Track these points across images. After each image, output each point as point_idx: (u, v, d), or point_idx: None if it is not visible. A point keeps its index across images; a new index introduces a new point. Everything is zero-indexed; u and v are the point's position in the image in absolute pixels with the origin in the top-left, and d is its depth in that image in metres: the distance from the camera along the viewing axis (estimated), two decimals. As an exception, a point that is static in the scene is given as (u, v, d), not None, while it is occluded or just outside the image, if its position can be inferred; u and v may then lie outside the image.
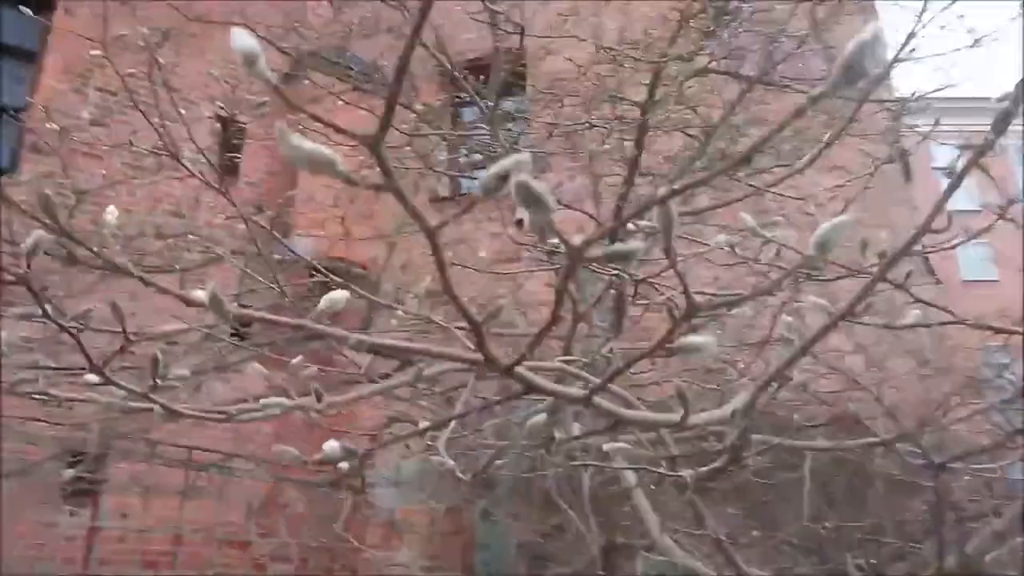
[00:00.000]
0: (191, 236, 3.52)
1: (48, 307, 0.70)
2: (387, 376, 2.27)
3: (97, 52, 1.96)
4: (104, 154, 6.70)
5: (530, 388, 0.64)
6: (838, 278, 1.44)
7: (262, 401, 0.92)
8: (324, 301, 0.69)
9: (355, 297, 2.72)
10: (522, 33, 2.61)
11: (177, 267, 3.09)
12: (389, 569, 5.99)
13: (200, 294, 0.63)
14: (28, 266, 0.67)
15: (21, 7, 2.70)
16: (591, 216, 3.91)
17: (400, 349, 0.72)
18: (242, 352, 3.45)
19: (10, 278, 0.67)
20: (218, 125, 6.26)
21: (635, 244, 0.47)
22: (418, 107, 3.39)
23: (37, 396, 1.02)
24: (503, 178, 0.42)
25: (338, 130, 0.43)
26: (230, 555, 6.61)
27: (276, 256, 2.45)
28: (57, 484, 5.54)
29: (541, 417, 0.93)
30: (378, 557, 6.43)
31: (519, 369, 0.62)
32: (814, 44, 3.84)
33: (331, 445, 0.81)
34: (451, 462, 0.91)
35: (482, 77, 3.56)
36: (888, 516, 3.96)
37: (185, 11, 4.82)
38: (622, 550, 2.73)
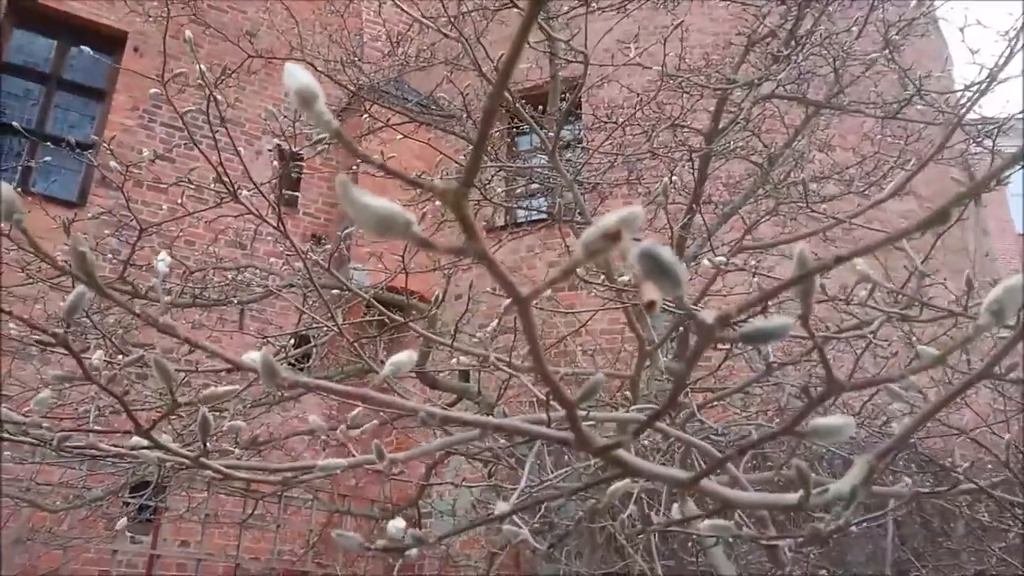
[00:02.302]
0: (252, 268, 3.53)
1: (93, 369, 0.65)
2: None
3: (156, 91, 1.96)
4: (168, 188, 6.86)
5: (628, 471, 0.56)
6: (935, 319, 1.32)
7: (319, 464, 0.85)
8: (389, 366, 0.63)
9: (416, 335, 2.67)
10: (586, 61, 2.55)
11: (236, 300, 3.09)
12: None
13: (251, 357, 0.57)
14: (68, 326, 0.62)
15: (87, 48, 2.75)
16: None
17: (482, 424, 0.65)
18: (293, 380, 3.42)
19: (49, 340, 0.61)
20: (275, 159, 6.36)
21: (781, 321, 0.39)
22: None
23: (85, 452, 0.98)
24: (611, 237, 0.34)
25: (413, 183, 0.37)
26: (287, 585, 6.61)
27: (335, 290, 2.41)
28: (120, 512, 5.60)
29: (624, 483, 0.84)
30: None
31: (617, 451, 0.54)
32: (884, 66, 3.69)
33: (396, 526, 0.74)
34: (524, 531, 0.83)
35: (540, 107, 3.51)
36: (970, 560, 3.73)
37: (247, 48, 4.90)
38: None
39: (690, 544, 2.52)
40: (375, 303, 1.82)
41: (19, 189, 6.44)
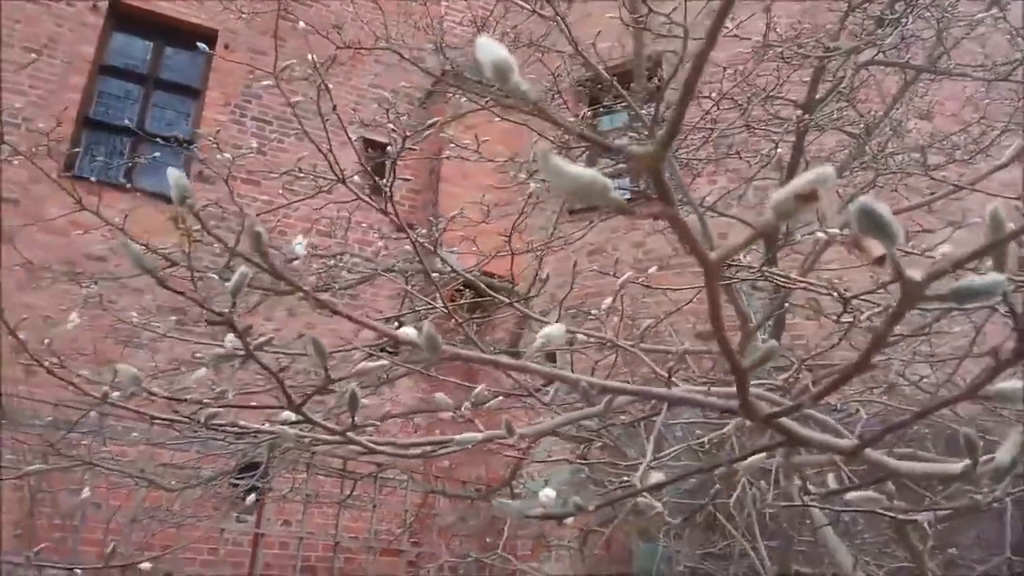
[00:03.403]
0: (348, 256, 3.62)
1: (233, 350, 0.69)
2: (538, 390, 2.22)
3: (268, 83, 2.02)
4: (262, 180, 7.09)
5: (793, 439, 0.56)
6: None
7: (456, 438, 0.88)
8: (541, 338, 0.63)
9: (518, 314, 2.69)
10: (686, 35, 2.50)
11: (336, 286, 3.18)
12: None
13: (409, 331, 0.59)
14: (233, 304, 0.65)
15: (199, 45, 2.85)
16: (746, 223, 3.73)
17: (647, 394, 0.65)
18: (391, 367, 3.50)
19: (215, 318, 0.65)
20: (362, 150, 6.47)
21: (992, 279, 0.38)
22: (570, 118, 3.34)
23: (228, 429, 1.02)
24: (805, 198, 0.34)
25: (606, 148, 0.37)
26: (384, 563, 6.80)
27: (435, 273, 2.45)
28: (228, 493, 5.87)
29: (760, 457, 0.84)
30: (527, 569, 6.42)
31: (782, 419, 0.54)
32: (991, 26, 3.50)
33: (548, 494, 0.75)
34: (659, 505, 0.83)
35: (631, 85, 3.47)
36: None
37: (335, 40, 5.00)
38: (798, 579, 2.55)
39: (799, 524, 2.47)
40: (480, 284, 1.85)
41: (128, 185, 6.76)
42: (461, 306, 4.03)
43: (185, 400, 0.90)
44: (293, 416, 0.76)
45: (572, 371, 3.45)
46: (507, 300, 1.92)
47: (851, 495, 0.72)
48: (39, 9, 7.58)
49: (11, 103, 6.59)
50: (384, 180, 2.10)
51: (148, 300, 3.82)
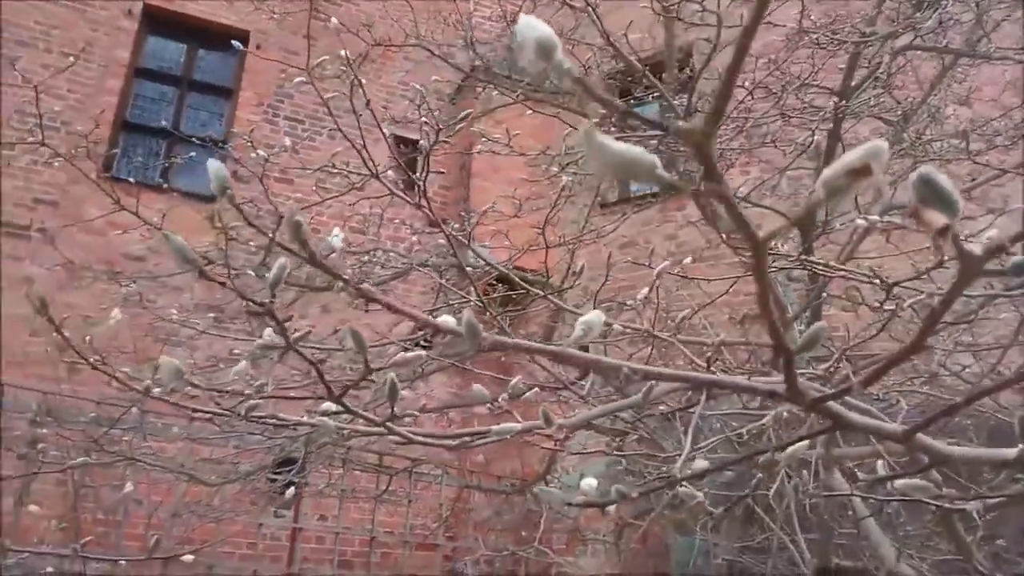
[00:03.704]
0: (381, 251, 3.64)
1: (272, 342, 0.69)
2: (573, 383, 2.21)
3: (302, 79, 2.04)
4: (295, 178, 7.15)
5: (840, 423, 0.54)
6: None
7: (495, 428, 0.88)
8: (580, 326, 0.63)
9: (551, 308, 2.67)
10: (719, 23, 2.47)
11: (370, 281, 3.20)
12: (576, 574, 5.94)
13: (449, 320, 0.58)
14: (273, 296, 0.66)
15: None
16: (780, 213, 3.68)
17: (685, 378, 0.64)
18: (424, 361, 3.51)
19: (256, 309, 0.65)
20: (393, 146, 6.49)
21: None
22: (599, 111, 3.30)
23: (268, 422, 1.03)
24: (856, 173, 0.33)
25: (650, 124, 0.36)
26: (420, 558, 6.84)
27: (467, 267, 2.45)
28: (266, 488, 5.94)
29: (803, 445, 0.82)
30: (563, 563, 6.41)
31: (830, 404, 0.53)
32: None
33: (590, 483, 0.74)
34: (699, 495, 0.82)
35: (662, 76, 3.44)
36: None
37: (365, 38, 5.03)
38: (838, 573, 2.52)
39: (839, 516, 2.44)
40: (514, 278, 1.85)
41: (165, 185, 6.86)
42: (494, 300, 4.03)
43: (226, 392, 0.90)
44: (333, 407, 0.77)
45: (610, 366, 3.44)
46: (541, 292, 1.92)
47: (899, 483, 0.71)
48: (75, 14, 7.72)
49: (50, 106, 6.70)
50: (417, 174, 2.10)
51: (187, 298, 3.88)
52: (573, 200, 4.06)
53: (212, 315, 2.80)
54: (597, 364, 0.63)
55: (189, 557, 1.41)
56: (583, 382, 1.47)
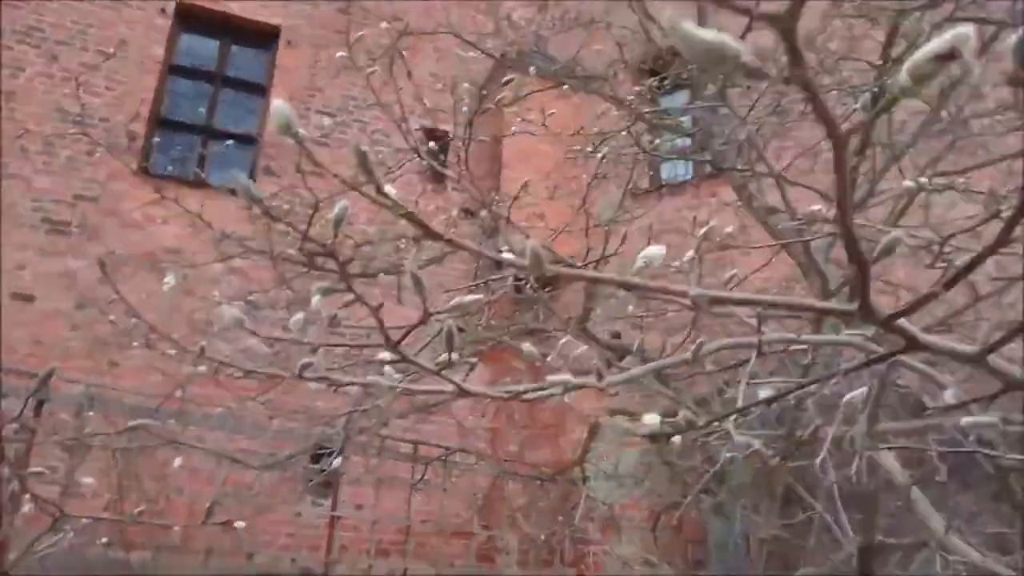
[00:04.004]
0: (413, 239, 3.66)
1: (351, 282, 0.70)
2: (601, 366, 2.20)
3: (343, 53, 2.05)
4: (325, 171, 7.20)
5: (913, 344, 0.54)
6: None
7: (548, 378, 0.88)
8: (641, 259, 0.63)
9: (586, 292, 2.66)
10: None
11: (404, 268, 3.21)
12: (610, 563, 5.95)
13: (509, 255, 0.59)
14: (335, 236, 0.66)
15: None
16: (818, 191, 3.63)
17: (758, 302, 0.64)
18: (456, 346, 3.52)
19: (319, 250, 0.66)
20: (423, 138, 6.53)
21: None
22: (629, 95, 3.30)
23: (318, 380, 1.04)
24: (943, 58, 0.33)
25: (737, 9, 0.36)
26: (456, 545, 6.88)
27: (503, 250, 2.46)
28: (303, 477, 6.02)
29: (862, 391, 0.81)
30: (598, 551, 6.42)
31: (901, 321, 0.52)
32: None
33: (652, 418, 0.74)
34: (756, 443, 0.82)
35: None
36: None
37: (396, 29, 5.05)
38: (883, 550, 2.49)
39: (883, 492, 2.41)
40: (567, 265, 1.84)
41: (200, 180, 6.95)
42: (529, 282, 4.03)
43: (284, 340, 0.91)
44: (390, 356, 0.78)
45: (641, 347, 3.41)
46: (578, 271, 1.91)
47: (965, 421, 0.70)
48: (111, 13, 7.84)
49: (89, 103, 6.83)
50: (446, 159, 2.11)
51: (224, 287, 3.93)
52: (604, 190, 4.05)
53: (251, 297, 2.83)
54: (662, 290, 0.63)
55: (241, 523, 1.43)
56: (618, 365, 1.46)
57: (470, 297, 0.77)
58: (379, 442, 5.54)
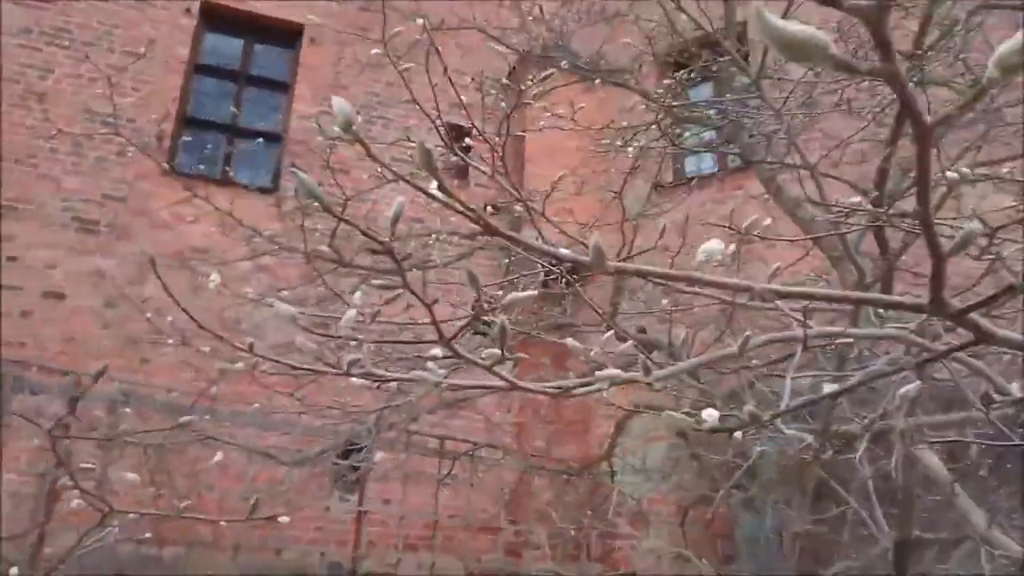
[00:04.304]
0: (444, 235, 3.68)
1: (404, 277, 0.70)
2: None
3: (377, 51, 2.06)
4: (351, 168, 7.24)
5: (985, 337, 0.53)
6: None
7: (597, 373, 0.88)
8: (701, 253, 0.63)
9: (614, 286, 2.65)
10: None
11: (431, 263, 3.24)
12: (638, 557, 5.94)
13: (566, 250, 0.59)
14: (392, 234, 0.67)
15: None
16: (849, 183, 3.60)
17: (829, 297, 0.64)
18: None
19: (376, 247, 0.67)
20: (446, 133, 6.53)
21: None
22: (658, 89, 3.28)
23: (363, 377, 1.05)
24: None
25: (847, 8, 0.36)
26: (483, 540, 6.90)
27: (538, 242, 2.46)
28: (331, 472, 6.07)
29: (916, 386, 0.81)
30: (625, 545, 6.41)
31: (973, 315, 0.52)
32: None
33: (711, 414, 0.74)
34: (808, 437, 0.81)
35: (720, 52, 3.38)
36: None
37: (418, 25, 5.05)
38: (919, 545, 2.46)
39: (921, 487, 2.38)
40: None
41: (227, 178, 7.01)
42: (557, 277, 4.03)
43: (337, 337, 0.92)
44: (441, 352, 0.78)
45: (669, 340, 3.40)
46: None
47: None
48: (137, 14, 7.92)
49: (117, 103, 6.90)
50: (469, 155, 2.11)
51: (254, 284, 3.97)
52: (632, 184, 4.03)
53: (284, 293, 2.86)
54: (724, 285, 0.63)
55: (285, 518, 1.45)
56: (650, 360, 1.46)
57: (524, 294, 0.77)
58: (406, 438, 5.57)
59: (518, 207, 3.17)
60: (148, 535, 1.84)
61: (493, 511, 6.65)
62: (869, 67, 0.37)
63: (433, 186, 0.97)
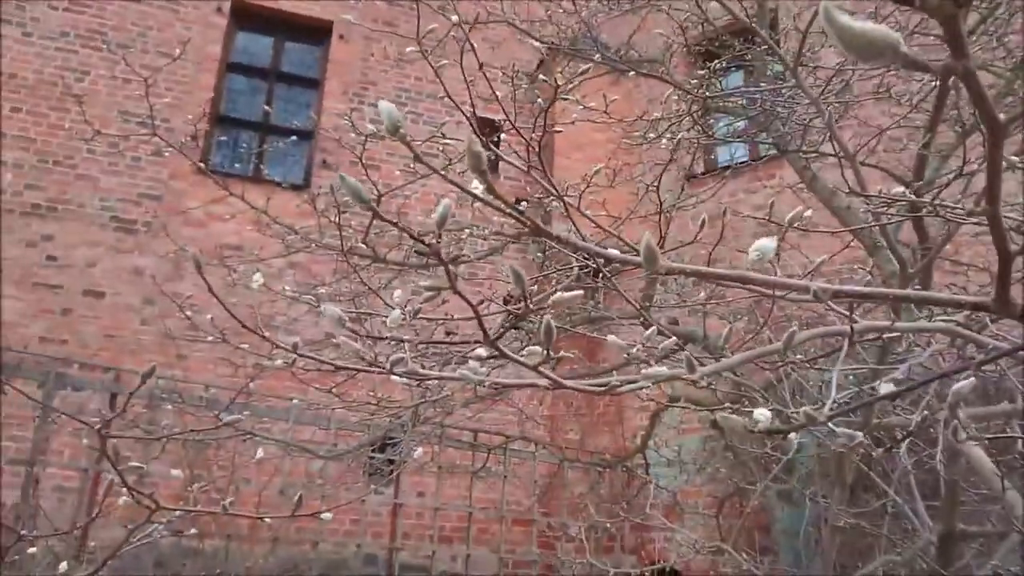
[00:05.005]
0: (476, 229, 3.68)
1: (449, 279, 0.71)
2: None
3: (412, 48, 2.07)
4: (381, 164, 7.28)
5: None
6: None
7: (643, 372, 0.88)
8: (754, 251, 0.62)
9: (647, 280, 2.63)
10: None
11: (466, 257, 3.25)
12: (672, 549, 5.92)
13: (613, 251, 0.58)
14: (439, 237, 0.67)
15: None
16: (889, 172, 3.54)
17: (900, 296, 0.63)
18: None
19: (424, 249, 0.67)
20: (476, 127, 6.52)
21: None
22: (692, 79, 3.25)
23: (406, 376, 1.05)
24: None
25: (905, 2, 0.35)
26: (516, 532, 6.93)
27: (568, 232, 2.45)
28: (366, 466, 6.12)
29: (970, 382, 0.79)
30: (659, 537, 6.40)
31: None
32: None
33: (763, 414, 0.74)
34: (859, 435, 0.80)
35: (752, 40, 3.34)
36: None
37: (446, 20, 5.05)
38: (963, 539, 2.43)
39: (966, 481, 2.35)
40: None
41: (260, 175, 7.07)
42: (589, 271, 4.02)
43: (383, 338, 0.93)
44: (485, 352, 0.78)
45: (704, 334, 3.37)
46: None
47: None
48: (169, 15, 8.02)
49: (153, 103, 6.99)
50: (499, 151, 2.10)
51: (288, 281, 4.02)
52: (655, 174, 3.99)
53: (321, 289, 2.88)
54: (778, 284, 0.62)
55: (328, 515, 1.47)
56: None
57: (570, 294, 0.77)
58: (441, 431, 5.59)
59: (552, 201, 3.16)
60: (193, 530, 1.87)
61: (527, 503, 6.66)
62: (943, 65, 0.36)
63: (479, 187, 0.97)
